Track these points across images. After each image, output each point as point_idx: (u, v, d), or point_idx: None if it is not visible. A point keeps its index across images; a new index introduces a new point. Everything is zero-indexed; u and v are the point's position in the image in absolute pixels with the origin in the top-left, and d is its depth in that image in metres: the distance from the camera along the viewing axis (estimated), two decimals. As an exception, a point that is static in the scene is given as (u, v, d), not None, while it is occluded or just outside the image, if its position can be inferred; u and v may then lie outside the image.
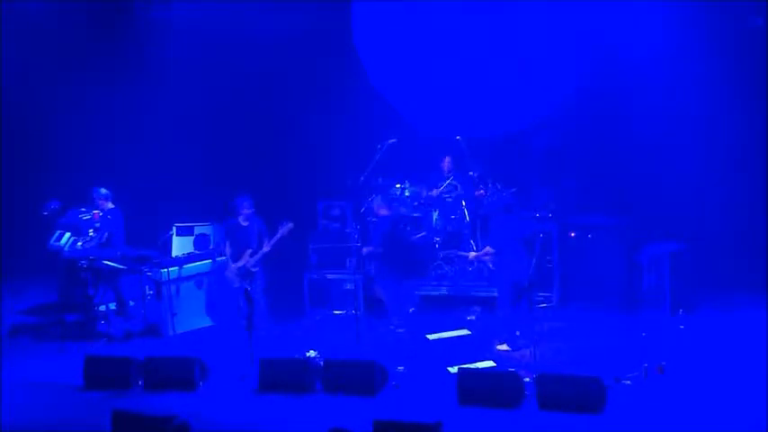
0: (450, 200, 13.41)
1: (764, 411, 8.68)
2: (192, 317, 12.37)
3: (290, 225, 12.18)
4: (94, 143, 15.18)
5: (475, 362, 10.51)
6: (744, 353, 10.38)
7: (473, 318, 12.37)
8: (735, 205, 12.94)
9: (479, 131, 14.15)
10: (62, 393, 10.21)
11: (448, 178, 13.48)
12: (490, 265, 12.10)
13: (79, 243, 12.50)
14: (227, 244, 12.37)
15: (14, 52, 15.12)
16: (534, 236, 11.40)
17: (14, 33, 15.05)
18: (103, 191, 12.75)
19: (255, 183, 14.68)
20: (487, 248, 11.44)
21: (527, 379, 9.37)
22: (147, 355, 10.46)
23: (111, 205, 12.79)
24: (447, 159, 13.58)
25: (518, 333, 11.00)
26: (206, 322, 12.43)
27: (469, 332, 11.84)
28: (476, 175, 13.45)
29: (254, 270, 12.19)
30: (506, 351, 10.93)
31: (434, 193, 13.40)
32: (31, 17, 15.08)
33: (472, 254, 11.91)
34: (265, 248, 12.17)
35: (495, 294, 11.73)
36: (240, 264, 12.19)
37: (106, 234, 12.62)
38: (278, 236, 12.16)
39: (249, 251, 12.21)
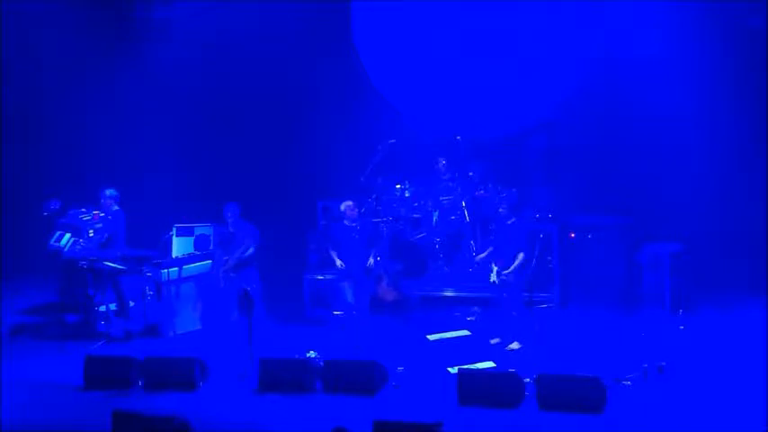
0: (448, 201, 13.40)
1: (764, 411, 8.68)
2: (193, 317, 12.41)
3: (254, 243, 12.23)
4: (95, 143, 15.20)
5: (475, 362, 10.52)
6: (744, 353, 10.38)
7: (473, 318, 12.37)
8: (735, 205, 12.95)
9: (479, 132, 14.16)
10: (62, 393, 10.21)
11: (445, 179, 13.49)
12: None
13: (79, 244, 12.49)
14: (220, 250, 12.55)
15: (15, 52, 15.12)
16: (534, 235, 11.40)
17: (15, 33, 15.05)
18: (109, 192, 12.74)
19: (256, 183, 14.73)
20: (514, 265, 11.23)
21: (527, 379, 9.38)
22: (147, 355, 10.46)
23: (115, 207, 12.81)
24: (442, 161, 13.58)
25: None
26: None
27: (469, 332, 11.83)
28: (475, 175, 13.45)
29: (233, 275, 12.22)
30: (517, 349, 10.95)
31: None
32: (32, 17, 15.08)
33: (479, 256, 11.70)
34: (243, 254, 12.20)
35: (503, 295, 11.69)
36: (224, 268, 12.28)
37: (106, 235, 12.63)
38: (246, 251, 12.19)
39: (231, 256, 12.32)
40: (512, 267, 11.09)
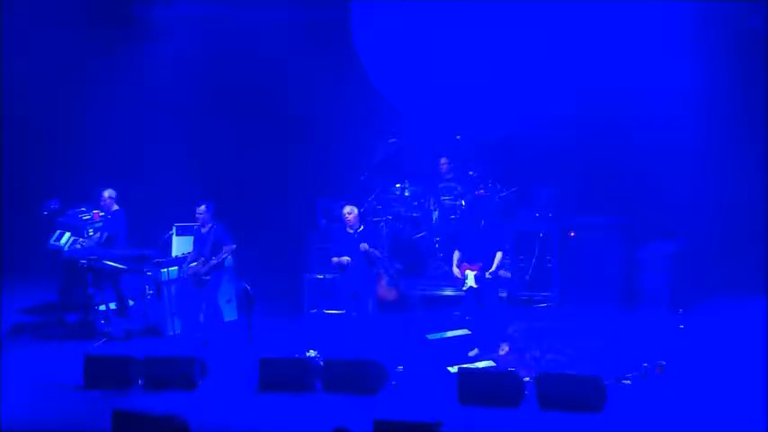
0: (448, 201, 13.38)
1: (764, 411, 8.68)
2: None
3: (233, 246, 11.85)
4: (95, 143, 15.18)
5: (475, 361, 10.52)
6: (743, 352, 10.38)
7: (473, 318, 12.35)
8: (735, 205, 12.94)
9: (480, 131, 14.15)
10: (62, 393, 10.21)
11: (447, 179, 13.48)
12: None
13: (79, 243, 12.49)
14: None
15: (15, 52, 15.12)
16: (534, 235, 11.40)
17: (15, 33, 15.05)
18: (107, 193, 12.74)
19: (256, 182, 14.73)
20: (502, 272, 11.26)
21: (527, 379, 9.38)
22: (147, 354, 10.46)
23: (115, 207, 12.81)
24: (444, 161, 13.56)
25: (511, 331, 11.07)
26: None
27: (469, 332, 11.83)
28: (476, 175, 13.45)
29: (205, 278, 11.76)
30: (508, 350, 10.95)
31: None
32: (32, 17, 15.08)
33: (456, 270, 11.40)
34: (213, 261, 11.68)
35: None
36: (191, 271, 11.84)
37: (106, 234, 12.64)
38: (221, 257, 11.71)
39: (202, 259, 11.82)
40: (493, 268, 11.05)
